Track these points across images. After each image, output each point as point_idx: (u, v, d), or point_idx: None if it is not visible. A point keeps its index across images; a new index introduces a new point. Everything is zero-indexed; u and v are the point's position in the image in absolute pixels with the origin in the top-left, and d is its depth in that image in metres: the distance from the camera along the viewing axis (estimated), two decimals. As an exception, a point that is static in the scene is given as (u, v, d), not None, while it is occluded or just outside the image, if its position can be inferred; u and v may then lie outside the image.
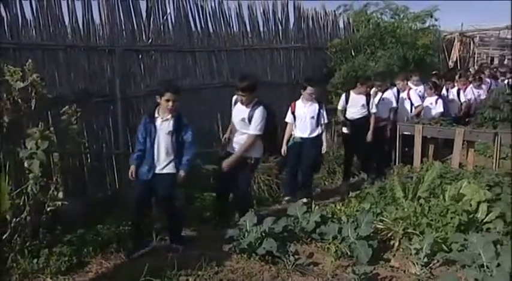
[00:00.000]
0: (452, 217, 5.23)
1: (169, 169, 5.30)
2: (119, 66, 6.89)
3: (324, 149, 7.56)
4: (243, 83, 5.82)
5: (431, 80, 10.63)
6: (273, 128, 6.20)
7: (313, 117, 7.29)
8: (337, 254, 5.00)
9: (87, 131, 6.47)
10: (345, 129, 8.54)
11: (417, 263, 4.78)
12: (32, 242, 5.09)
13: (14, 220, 4.82)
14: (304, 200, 6.71)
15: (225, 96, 8.21)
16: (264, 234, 5.11)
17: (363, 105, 8.24)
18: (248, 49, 9.14)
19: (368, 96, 8.30)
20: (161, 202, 5.52)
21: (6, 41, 5.73)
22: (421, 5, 13.20)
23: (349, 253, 4.98)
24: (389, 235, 5.40)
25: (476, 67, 17.76)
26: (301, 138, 7.33)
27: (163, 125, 5.27)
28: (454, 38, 17.93)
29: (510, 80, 13.87)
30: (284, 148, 7.39)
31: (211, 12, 8.41)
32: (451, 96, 10.83)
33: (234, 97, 6.08)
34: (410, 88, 9.53)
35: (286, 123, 7.55)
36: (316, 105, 7.33)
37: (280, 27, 9.78)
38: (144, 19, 7.33)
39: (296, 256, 4.96)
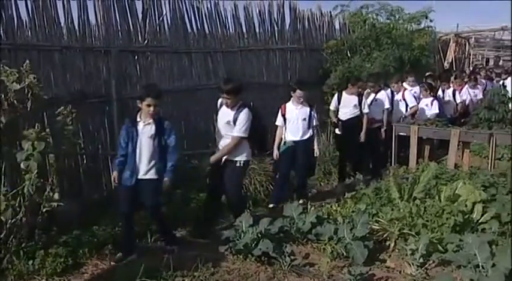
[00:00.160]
0: (448, 217, 5.25)
1: (152, 175, 5.25)
2: (114, 67, 6.88)
3: (316, 152, 7.46)
4: (228, 85, 5.73)
5: (427, 82, 10.64)
6: (262, 130, 6.11)
7: (305, 119, 7.19)
8: (333, 255, 5.01)
9: (83, 132, 6.46)
10: (337, 130, 8.54)
11: (413, 264, 4.78)
12: (28, 243, 5.08)
13: (10, 221, 4.80)
14: (300, 201, 6.72)
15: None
16: (260, 235, 5.12)
17: (354, 105, 8.23)
18: (244, 50, 9.14)
19: (360, 96, 8.29)
20: (146, 209, 5.46)
21: (1, 41, 5.71)
22: (417, 5, 13.25)
23: (345, 254, 4.99)
24: (385, 236, 5.41)
25: (471, 68, 17.82)
26: (294, 141, 7.20)
27: (146, 129, 5.22)
28: (450, 39, 17.96)
29: (505, 81, 13.89)
30: (276, 153, 7.25)
31: (207, 14, 8.41)
32: (447, 98, 10.85)
33: (219, 100, 5.98)
34: (405, 89, 9.55)
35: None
36: (307, 108, 7.25)
37: (276, 28, 9.79)
38: (140, 20, 7.32)
39: (292, 257, 4.97)
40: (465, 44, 19.30)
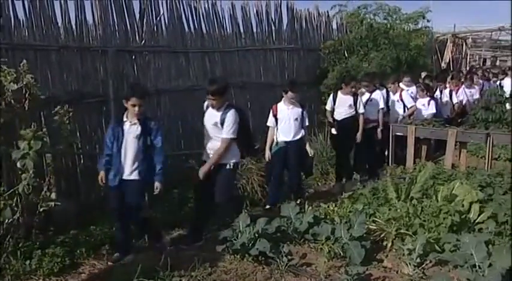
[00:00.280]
0: (445, 217, 5.25)
1: (136, 175, 5.19)
2: (112, 67, 6.88)
3: (310, 151, 7.41)
4: (213, 86, 5.58)
5: (424, 82, 10.67)
6: (249, 131, 6.03)
7: (296, 119, 7.11)
8: (330, 255, 5.00)
9: (80, 131, 6.46)
10: (333, 130, 8.53)
11: (410, 264, 4.79)
12: (25, 243, 5.08)
13: (7, 220, 4.80)
14: (298, 201, 6.72)
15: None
16: (257, 235, 5.12)
17: (350, 105, 8.20)
18: (241, 50, 9.15)
19: (355, 96, 8.26)
20: (127, 209, 5.28)
21: (-2, 41, 5.72)
22: (414, 5, 13.28)
23: (342, 254, 4.99)
24: (382, 236, 5.41)
25: (468, 68, 17.86)
26: (285, 142, 7.12)
27: (132, 129, 5.17)
28: (447, 39, 17.99)
29: (502, 81, 13.94)
30: (268, 154, 7.18)
31: (204, 13, 8.42)
32: (445, 98, 10.85)
33: (205, 103, 5.85)
34: (402, 90, 9.55)
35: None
36: (299, 108, 7.18)
37: (273, 28, 9.80)
38: (137, 20, 7.33)
39: (289, 257, 4.96)
40: (462, 44, 19.34)
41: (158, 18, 7.64)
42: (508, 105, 10.47)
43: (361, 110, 8.24)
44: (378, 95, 8.75)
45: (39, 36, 6.18)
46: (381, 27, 11.49)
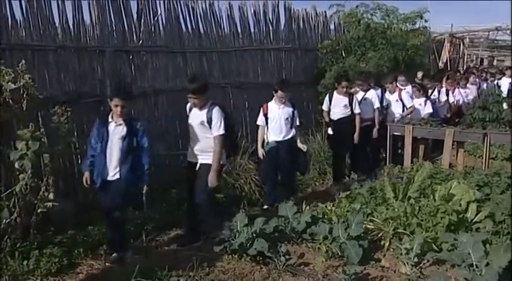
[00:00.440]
0: (442, 216, 5.26)
1: (120, 176, 5.11)
2: (109, 67, 6.88)
3: (303, 147, 7.33)
4: (193, 84, 5.55)
5: (419, 82, 10.70)
6: (233, 130, 5.98)
7: (287, 119, 7.07)
8: (327, 255, 5.01)
9: (78, 131, 6.45)
10: (329, 130, 8.53)
11: (407, 263, 4.79)
12: (22, 243, 5.08)
13: (4, 221, 4.79)
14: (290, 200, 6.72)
15: (216, 97, 8.23)
16: (255, 235, 5.12)
17: (345, 105, 8.16)
18: (239, 50, 9.15)
19: (351, 96, 8.23)
20: (109, 209, 5.21)
21: (-4, 41, 5.72)
22: (412, 5, 13.27)
23: (339, 253, 4.99)
24: (379, 235, 5.42)
25: (465, 68, 17.89)
26: (276, 141, 7.08)
27: (117, 130, 5.10)
28: (444, 39, 18.01)
29: (499, 80, 13.97)
30: (261, 151, 7.14)
31: (202, 14, 8.42)
32: (443, 98, 10.86)
33: (188, 105, 5.83)
34: (400, 89, 9.55)
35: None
36: (290, 108, 7.15)
37: (271, 28, 9.80)
38: (134, 20, 7.33)
39: (287, 257, 4.96)
40: (459, 44, 19.36)
41: (156, 18, 7.64)
42: (505, 105, 10.51)
43: (357, 110, 8.20)
44: (372, 95, 8.74)
45: (36, 36, 6.17)
46: (379, 27, 11.49)
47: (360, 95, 8.60)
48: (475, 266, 4.41)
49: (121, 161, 5.10)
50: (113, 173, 5.13)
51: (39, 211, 5.03)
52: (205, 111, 5.60)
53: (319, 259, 4.95)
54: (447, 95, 11.02)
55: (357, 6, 11.92)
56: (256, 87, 9.17)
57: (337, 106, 8.24)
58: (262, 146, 7.19)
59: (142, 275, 4.49)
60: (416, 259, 4.79)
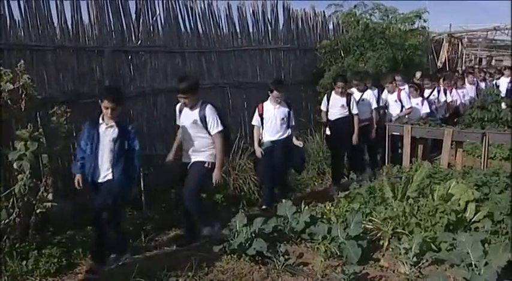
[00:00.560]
0: (441, 216, 5.27)
1: (110, 177, 5.03)
2: (108, 67, 6.88)
3: (300, 144, 7.30)
4: (183, 84, 5.50)
5: (416, 82, 10.70)
6: (225, 129, 5.86)
7: (283, 119, 7.05)
8: (326, 254, 5.01)
9: (77, 132, 6.41)
10: (327, 131, 8.52)
11: (406, 263, 4.79)
12: (21, 243, 5.07)
13: (3, 221, 4.79)
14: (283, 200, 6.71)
15: (215, 97, 8.26)
16: (254, 234, 5.12)
17: (342, 105, 8.14)
18: (238, 50, 9.14)
19: (349, 96, 8.20)
20: (99, 211, 5.07)
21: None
22: (410, 5, 13.26)
23: (338, 253, 5.00)
24: (378, 235, 5.42)
25: (463, 68, 17.89)
26: (271, 141, 7.06)
27: (108, 131, 5.02)
28: (443, 39, 18.01)
29: (498, 80, 13.98)
30: (259, 150, 7.09)
31: (200, 13, 8.41)
32: (443, 98, 10.85)
33: (178, 106, 5.80)
34: (400, 89, 9.54)
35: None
36: (286, 107, 7.13)
37: (269, 28, 9.80)
38: (133, 20, 7.32)
39: (286, 256, 4.97)
40: (458, 44, 19.35)
41: (154, 18, 7.63)
42: (503, 105, 10.52)
43: (354, 110, 8.17)
44: (370, 95, 8.74)
45: (35, 37, 6.17)
46: (377, 27, 11.49)
47: (356, 95, 8.59)
48: (473, 266, 4.42)
49: (113, 163, 5.01)
50: (104, 175, 5.05)
51: (38, 211, 5.03)
52: (197, 110, 5.58)
53: (318, 258, 4.95)
54: (445, 94, 11.01)
55: (355, 6, 11.92)
56: (255, 87, 9.17)
57: (335, 106, 8.22)
58: (259, 146, 7.16)
59: (141, 275, 4.50)
60: (415, 259, 4.79)
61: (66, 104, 5.69)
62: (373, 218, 5.61)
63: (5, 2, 5.87)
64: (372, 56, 10.68)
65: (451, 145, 8.38)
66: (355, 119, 8.21)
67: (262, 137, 7.19)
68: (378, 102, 8.88)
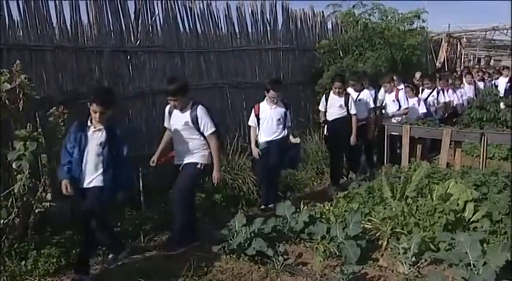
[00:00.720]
0: (440, 216, 5.28)
1: (97, 183, 4.81)
2: (107, 67, 6.88)
3: (297, 140, 7.22)
4: (172, 86, 5.41)
5: (414, 82, 10.71)
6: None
7: (279, 119, 6.98)
8: (325, 254, 5.02)
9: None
10: (325, 131, 8.51)
11: (405, 263, 4.80)
12: (20, 244, 5.07)
13: (2, 221, 4.79)
14: (270, 205, 6.76)
15: (214, 97, 8.25)
16: (253, 234, 5.13)
17: (340, 105, 8.09)
18: (237, 50, 9.13)
19: (347, 96, 8.16)
20: (84, 216, 4.85)
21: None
22: (409, 5, 13.25)
23: (337, 253, 5.01)
24: (377, 235, 5.43)
25: (462, 68, 17.91)
26: (267, 142, 7.01)
27: (95, 135, 4.84)
28: (442, 39, 18.02)
29: (497, 80, 13.99)
30: (256, 151, 7.05)
31: (199, 13, 8.41)
32: (442, 99, 10.85)
33: (167, 108, 5.74)
34: (398, 89, 9.54)
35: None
36: (283, 108, 7.06)
37: (268, 28, 9.79)
38: (132, 20, 7.32)
39: (285, 256, 4.99)
40: (457, 44, 19.36)
41: (153, 19, 7.63)
42: (502, 105, 10.54)
43: (352, 111, 8.12)
44: (366, 95, 8.74)
45: (33, 37, 6.17)
46: (376, 27, 11.50)
47: (353, 95, 8.58)
48: (472, 266, 4.43)
49: (100, 168, 4.83)
50: (90, 179, 4.83)
51: (37, 211, 5.03)
52: (188, 112, 5.51)
53: (317, 258, 4.96)
54: (443, 93, 11.01)
55: (353, 6, 11.92)
56: (254, 87, 9.16)
57: (333, 106, 8.20)
58: (256, 147, 7.14)
59: (140, 275, 4.50)
60: (414, 259, 4.80)
61: (65, 104, 5.68)
62: (372, 218, 5.63)
63: (4, 2, 5.86)
64: (370, 56, 10.68)
65: (450, 144, 8.39)
66: (353, 119, 8.17)
67: (258, 138, 7.15)
68: (374, 102, 8.88)
